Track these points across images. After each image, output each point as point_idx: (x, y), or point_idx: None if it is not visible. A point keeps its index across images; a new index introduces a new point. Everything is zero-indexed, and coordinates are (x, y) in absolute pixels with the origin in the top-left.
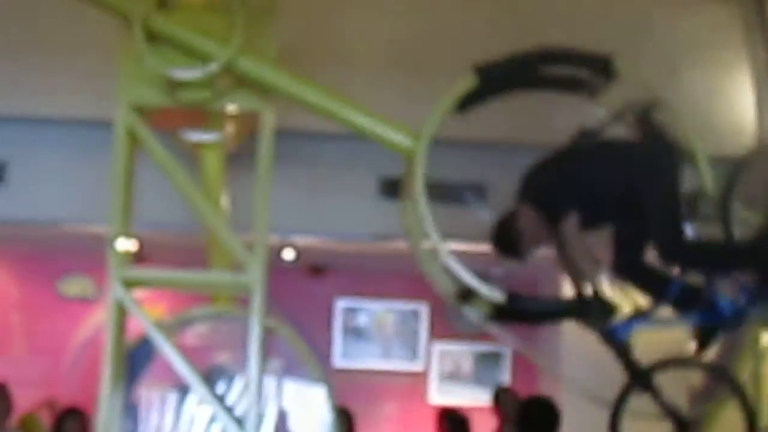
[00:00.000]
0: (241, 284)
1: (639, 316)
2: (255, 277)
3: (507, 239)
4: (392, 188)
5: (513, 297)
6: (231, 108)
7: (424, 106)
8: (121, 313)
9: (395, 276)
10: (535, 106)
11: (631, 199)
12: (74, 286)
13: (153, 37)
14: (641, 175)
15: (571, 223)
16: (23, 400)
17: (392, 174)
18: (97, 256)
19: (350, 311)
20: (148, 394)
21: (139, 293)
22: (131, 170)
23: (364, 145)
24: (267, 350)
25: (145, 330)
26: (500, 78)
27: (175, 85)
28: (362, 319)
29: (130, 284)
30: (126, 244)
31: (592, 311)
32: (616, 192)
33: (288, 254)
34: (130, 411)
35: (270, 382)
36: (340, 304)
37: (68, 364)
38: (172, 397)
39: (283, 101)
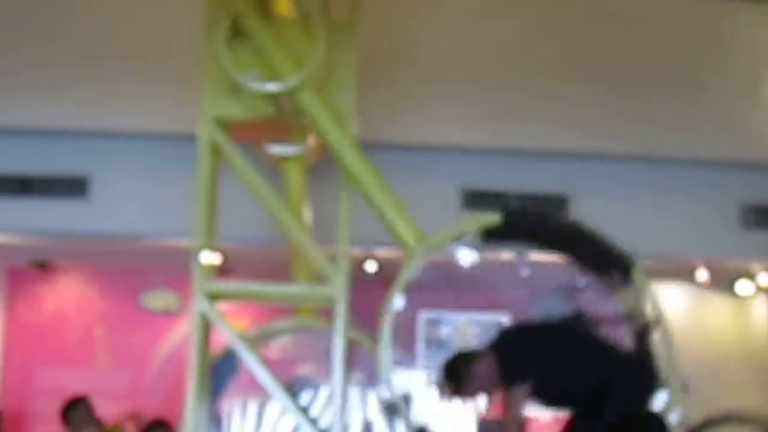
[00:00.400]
0: (325, 296)
1: None
2: (338, 289)
3: (457, 374)
4: (475, 199)
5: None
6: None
7: (500, 118)
8: (206, 326)
9: (477, 287)
10: (622, 117)
11: (592, 401)
12: (158, 299)
13: (238, 36)
14: (616, 386)
15: (522, 391)
16: (108, 412)
17: (474, 185)
18: (180, 269)
19: (433, 323)
20: (231, 405)
21: (222, 306)
22: (215, 183)
23: (446, 156)
24: (351, 361)
25: (230, 342)
26: (525, 228)
27: (258, 98)
28: (445, 331)
29: (214, 297)
30: (210, 258)
31: None
32: (582, 388)
33: (370, 266)
34: (215, 422)
35: (354, 394)
36: (423, 316)
37: (152, 377)
38: (254, 409)
39: (364, 114)
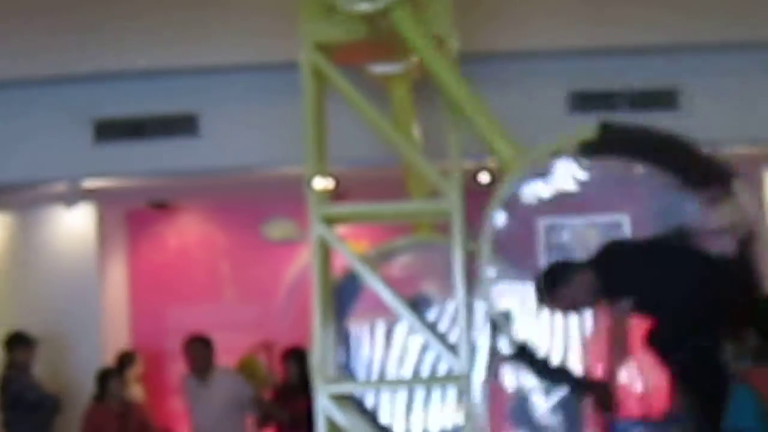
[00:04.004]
0: (440, 210)
1: (649, 421)
2: (453, 202)
3: (554, 281)
4: (582, 102)
5: (522, 348)
6: None
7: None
8: (325, 250)
9: (594, 190)
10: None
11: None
12: (278, 229)
13: None
14: (721, 293)
15: (623, 309)
16: (239, 344)
17: (581, 88)
18: (296, 198)
19: (552, 228)
20: (358, 326)
21: (341, 230)
22: (321, 109)
23: (551, 61)
24: (472, 274)
25: (350, 264)
26: (624, 142)
27: (356, 19)
28: (565, 236)
29: (330, 221)
30: (323, 183)
31: (599, 398)
32: (684, 302)
33: (484, 177)
34: (343, 345)
35: (480, 305)
36: (542, 222)
37: (280, 306)
38: (382, 328)
39: (466, 24)
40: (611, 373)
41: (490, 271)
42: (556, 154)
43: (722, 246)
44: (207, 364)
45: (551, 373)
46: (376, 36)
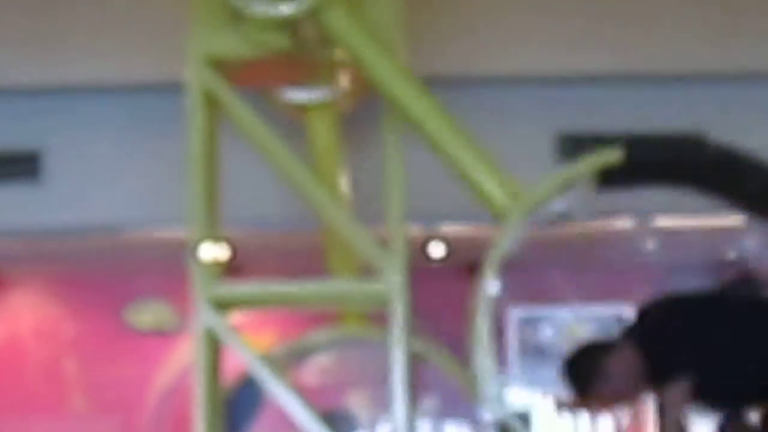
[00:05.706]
0: (375, 295)
1: None
2: (394, 283)
3: (586, 373)
4: (574, 147)
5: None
6: (342, 54)
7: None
8: (214, 346)
9: (588, 270)
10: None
11: None
12: (147, 314)
13: None
14: None
15: (680, 390)
16: None
17: (573, 128)
18: (174, 271)
19: (528, 323)
20: None
21: (237, 317)
22: (214, 148)
23: (533, 90)
24: (416, 383)
25: (248, 366)
26: (652, 161)
27: (264, 28)
28: (546, 333)
29: (223, 305)
30: (214, 251)
31: None
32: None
33: (436, 250)
34: None
35: (424, 427)
36: (515, 314)
37: (147, 422)
38: None
39: (411, 38)
40: None
41: (489, 362)
42: (567, 188)
43: None
44: None
45: None
46: (295, 50)
